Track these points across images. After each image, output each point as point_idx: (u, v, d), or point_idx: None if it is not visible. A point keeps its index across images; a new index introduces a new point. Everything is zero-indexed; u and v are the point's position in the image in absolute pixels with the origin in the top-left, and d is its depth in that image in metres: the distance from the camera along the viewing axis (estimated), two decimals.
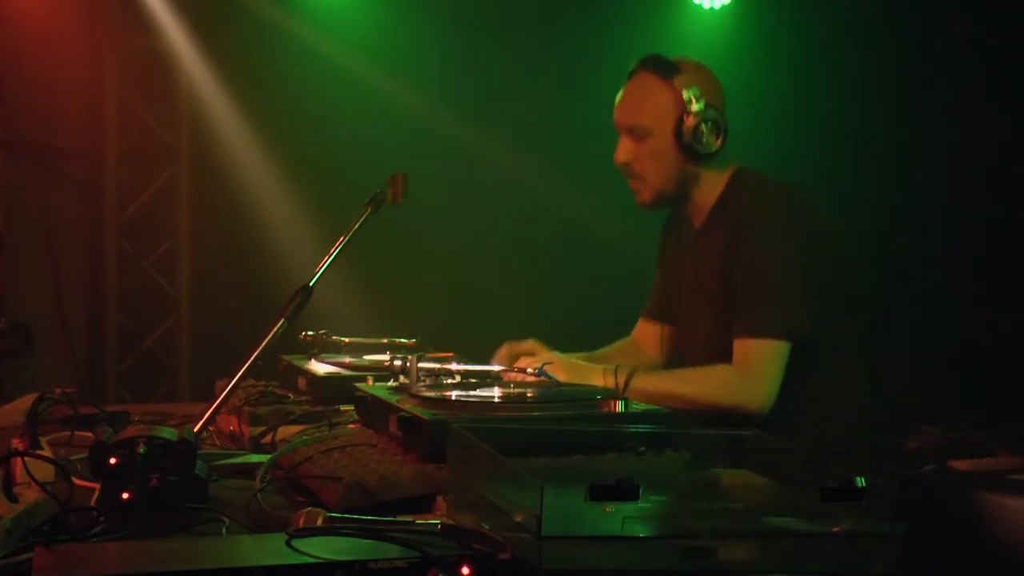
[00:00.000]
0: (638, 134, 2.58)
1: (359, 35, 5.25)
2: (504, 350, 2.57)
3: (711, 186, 2.61)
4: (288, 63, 5.15)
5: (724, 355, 2.48)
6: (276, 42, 5.14)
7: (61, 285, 4.98)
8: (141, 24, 5.06)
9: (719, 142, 2.55)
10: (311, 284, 2.01)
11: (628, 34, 5.37)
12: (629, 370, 2.42)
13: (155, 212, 5.29)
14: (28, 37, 4.82)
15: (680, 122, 2.53)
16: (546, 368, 2.23)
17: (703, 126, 2.53)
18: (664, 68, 2.58)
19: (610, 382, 2.38)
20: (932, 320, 5.00)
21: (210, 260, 5.26)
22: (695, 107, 2.52)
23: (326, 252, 2.08)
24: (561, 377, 2.26)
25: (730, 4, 5.66)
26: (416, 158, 4.72)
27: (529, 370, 2.24)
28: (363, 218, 2.18)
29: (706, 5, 5.68)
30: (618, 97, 2.64)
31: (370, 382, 2.14)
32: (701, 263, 2.64)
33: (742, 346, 2.45)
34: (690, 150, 2.55)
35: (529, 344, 2.56)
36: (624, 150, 2.61)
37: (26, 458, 1.59)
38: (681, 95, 2.53)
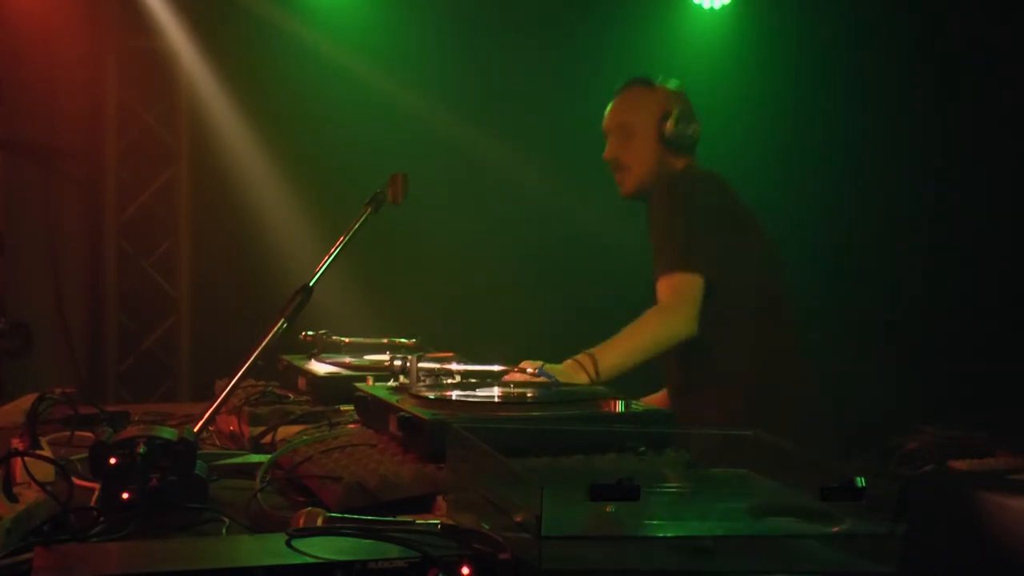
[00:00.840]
0: (626, 132, 3.08)
1: (359, 35, 5.25)
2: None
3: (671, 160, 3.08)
4: (288, 63, 5.15)
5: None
6: (276, 42, 5.14)
7: (61, 285, 4.98)
8: (141, 24, 5.06)
9: (691, 132, 3.04)
10: (311, 284, 2.01)
11: (628, 34, 5.37)
12: (586, 354, 2.61)
13: (155, 212, 5.29)
14: (28, 37, 4.82)
15: (663, 118, 3.03)
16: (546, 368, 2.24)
17: (679, 124, 3.03)
18: (647, 81, 3.11)
19: (590, 373, 2.57)
20: (932, 320, 5.00)
21: (210, 260, 5.26)
22: (675, 107, 3.03)
23: (326, 252, 2.08)
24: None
25: (730, 4, 5.66)
26: (416, 158, 4.72)
27: (529, 370, 2.24)
28: (363, 218, 2.18)
29: (706, 5, 5.68)
30: (607, 109, 3.15)
31: (370, 382, 2.14)
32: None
33: (660, 285, 2.84)
34: (671, 143, 3.03)
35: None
36: (612, 147, 3.12)
37: (26, 458, 1.59)
38: (662, 97, 3.05)
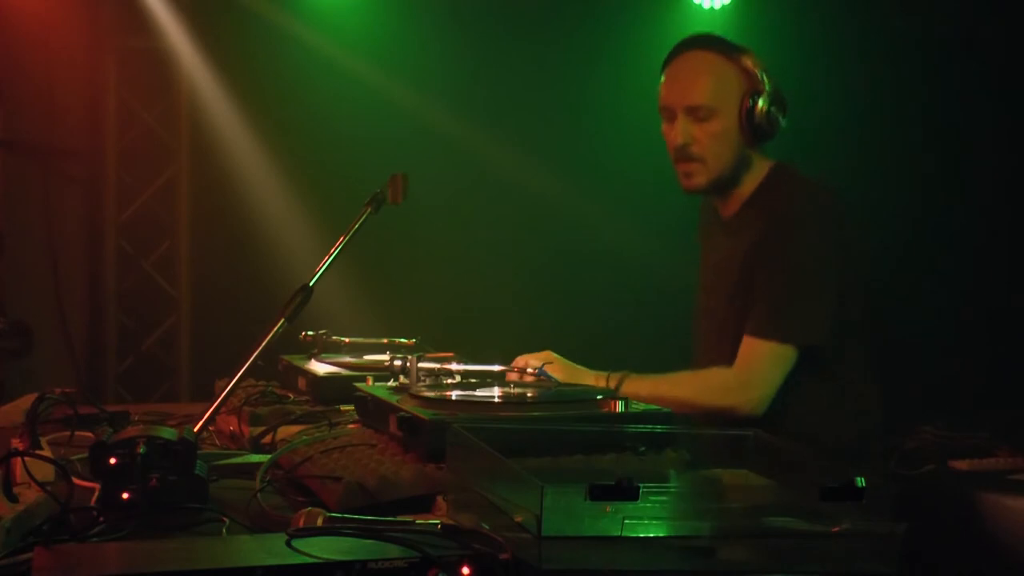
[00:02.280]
0: (701, 114, 2.45)
1: (359, 35, 5.25)
2: (520, 362, 2.49)
3: (753, 175, 2.54)
4: (288, 63, 5.15)
5: (726, 354, 2.45)
6: (276, 42, 5.13)
7: (61, 285, 4.98)
8: (141, 24, 5.05)
9: (782, 120, 2.51)
10: (311, 284, 2.01)
11: (628, 34, 5.37)
12: (621, 374, 2.40)
13: (155, 212, 5.29)
14: (28, 37, 4.82)
15: (751, 101, 2.45)
16: (545, 368, 2.23)
17: (772, 107, 2.47)
18: (726, 46, 2.48)
19: (601, 383, 2.37)
20: (932, 319, 4.99)
21: (210, 260, 5.26)
22: (766, 86, 2.46)
23: (326, 252, 2.08)
24: (559, 377, 2.27)
25: (730, 4, 5.66)
26: (416, 158, 4.71)
27: (529, 370, 2.24)
28: (363, 218, 2.18)
29: (706, 5, 5.68)
30: (665, 77, 2.52)
31: (370, 382, 2.14)
32: (726, 254, 2.55)
33: (747, 345, 2.39)
34: (758, 131, 2.47)
35: (545, 355, 2.47)
36: (684, 131, 2.46)
37: (26, 458, 1.59)
38: (750, 73, 2.45)
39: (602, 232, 5.16)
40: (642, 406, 1.92)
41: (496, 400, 1.98)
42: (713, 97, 2.45)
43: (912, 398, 4.28)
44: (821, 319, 2.39)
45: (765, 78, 2.47)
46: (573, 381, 2.36)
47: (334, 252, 2.09)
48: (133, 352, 5.26)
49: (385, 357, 2.36)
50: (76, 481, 1.58)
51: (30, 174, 4.99)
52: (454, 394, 1.98)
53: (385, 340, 2.91)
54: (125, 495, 1.50)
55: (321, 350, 2.82)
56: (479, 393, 2.01)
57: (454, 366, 2.22)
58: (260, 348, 1.89)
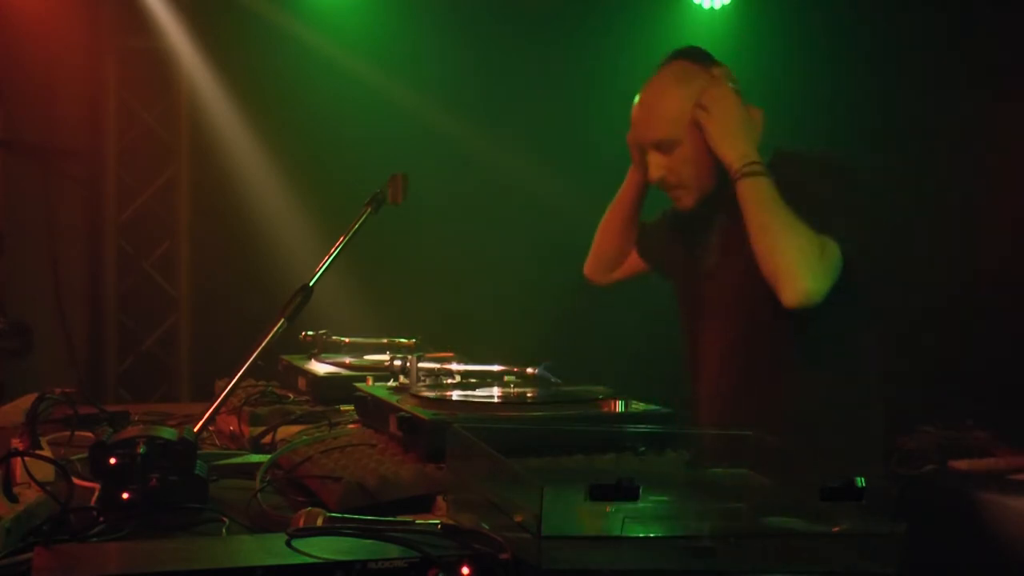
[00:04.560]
0: (666, 147, 2.47)
1: (359, 35, 5.25)
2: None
3: None
4: (288, 63, 5.15)
5: (746, 346, 2.43)
6: (276, 42, 5.13)
7: (61, 285, 4.98)
8: (141, 24, 5.06)
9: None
10: (311, 284, 2.01)
11: (628, 34, 5.37)
12: (763, 166, 2.32)
13: (155, 212, 5.29)
14: (28, 37, 4.82)
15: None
16: None
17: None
18: (672, 74, 2.49)
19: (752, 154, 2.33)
20: (932, 320, 4.99)
21: (210, 260, 5.26)
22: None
23: (326, 252, 2.08)
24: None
25: (730, 4, 5.66)
26: (416, 158, 4.71)
27: (529, 370, 2.24)
28: (363, 218, 2.18)
29: (706, 5, 5.68)
30: (632, 116, 2.55)
31: (370, 382, 2.14)
32: (734, 229, 2.45)
33: None
34: None
35: None
36: (656, 166, 2.49)
37: (26, 458, 1.59)
38: (699, 91, 2.44)
39: None
40: (642, 406, 1.92)
41: (496, 400, 1.98)
42: (672, 129, 2.45)
43: (912, 398, 4.29)
44: (855, 228, 2.32)
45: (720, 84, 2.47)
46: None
47: (334, 252, 2.09)
48: (133, 352, 5.27)
49: (385, 357, 2.36)
50: (76, 481, 1.58)
51: (30, 174, 4.99)
52: (454, 394, 1.98)
53: (385, 340, 2.92)
54: (125, 495, 1.50)
55: (321, 350, 2.83)
56: (479, 393, 2.01)
57: (454, 366, 2.23)
58: (260, 348, 1.89)
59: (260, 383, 2.56)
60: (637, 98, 2.54)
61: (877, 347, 2.53)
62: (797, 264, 2.25)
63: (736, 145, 2.37)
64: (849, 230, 2.30)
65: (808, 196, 2.32)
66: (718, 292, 2.56)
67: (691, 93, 2.45)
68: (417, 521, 1.39)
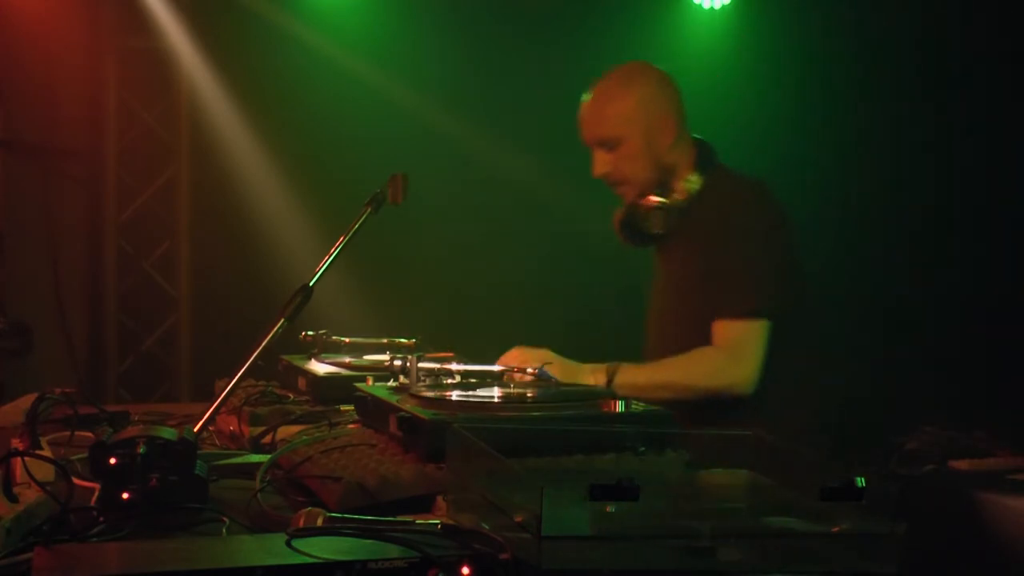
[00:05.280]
0: (609, 144, 2.72)
1: (359, 35, 5.25)
2: (515, 352, 2.52)
3: (685, 179, 2.73)
4: (288, 63, 5.15)
5: (699, 344, 2.57)
6: (276, 42, 5.13)
7: (61, 285, 4.98)
8: (141, 24, 5.06)
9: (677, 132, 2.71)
10: (311, 284, 2.01)
11: (628, 34, 5.36)
12: (615, 365, 2.49)
13: (155, 212, 5.29)
14: (28, 37, 4.82)
15: (651, 122, 2.69)
16: (545, 368, 2.23)
17: (672, 121, 2.71)
18: (617, 80, 2.76)
19: (600, 379, 2.46)
20: (932, 320, 5.00)
21: (210, 260, 5.26)
22: (658, 102, 2.70)
23: (326, 252, 2.08)
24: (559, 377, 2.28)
25: (730, 4, 5.66)
26: (416, 158, 4.71)
27: (529, 370, 2.24)
28: (363, 218, 2.18)
29: (706, 5, 5.67)
30: (580, 116, 2.78)
31: (370, 382, 2.14)
32: (681, 254, 2.74)
33: (724, 327, 2.55)
34: (664, 146, 2.70)
35: (542, 353, 2.50)
36: (601, 162, 2.75)
37: (26, 458, 1.59)
38: (641, 98, 2.70)
39: (603, 232, 5.15)
40: (642, 406, 1.92)
41: (496, 400, 1.98)
42: (616, 128, 2.71)
43: (912, 398, 4.29)
44: (779, 291, 2.57)
45: (663, 97, 2.72)
46: (570, 377, 2.40)
47: (334, 252, 2.09)
48: (133, 352, 5.26)
49: (385, 357, 2.36)
50: (76, 481, 1.58)
51: (30, 174, 4.99)
52: (454, 394, 1.97)
53: (385, 340, 2.91)
54: (125, 495, 1.50)
55: (321, 350, 2.82)
56: (479, 393, 2.01)
57: (454, 366, 2.22)
58: (260, 348, 1.89)
59: (260, 383, 2.55)
60: (585, 99, 2.78)
61: (803, 364, 2.66)
62: (716, 380, 2.52)
63: (583, 373, 2.50)
64: (778, 303, 2.55)
65: (737, 269, 2.56)
66: (669, 306, 2.79)
67: (634, 93, 2.71)
68: (417, 521, 1.39)
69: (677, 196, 2.71)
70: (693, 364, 2.55)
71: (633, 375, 2.48)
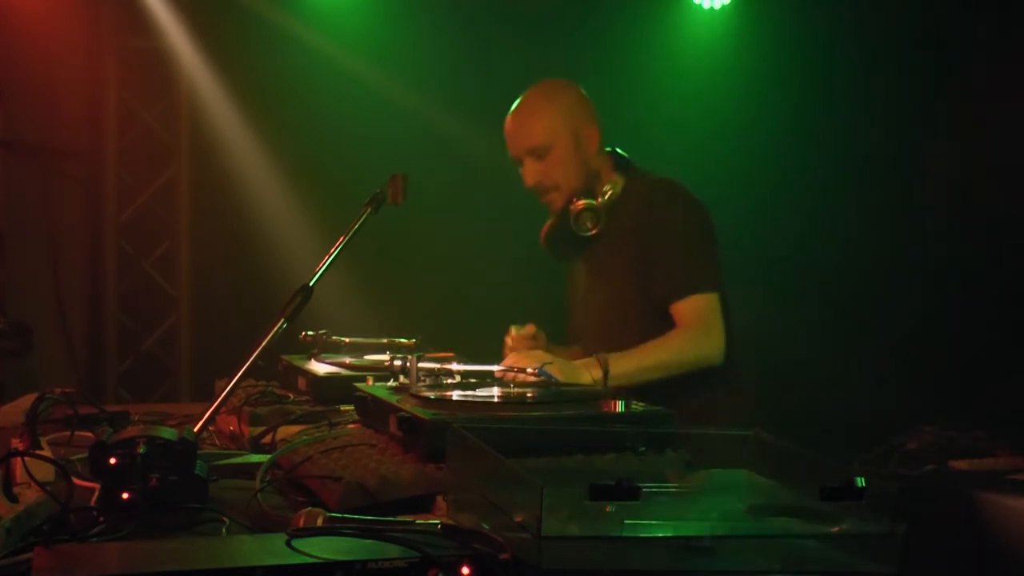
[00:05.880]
0: (539, 153, 2.88)
1: (359, 35, 5.25)
2: (514, 354, 2.56)
3: (608, 183, 2.92)
4: (288, 63, 5.15)
5: (633, 334, 2.72)
6: (276, 42, 5.13)
7: (61, 285, 4.98)
8: (141, 24, 5.06)
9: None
10: (311, 284, 2.01)
11: (628, 34, 5.36)
12: (603, 357, 2.56)
13: (155, 212, 5.29)
14: (28, 37, 4.82)
15: (576, 128, 2.87)
16: (545, 368, 2.24)
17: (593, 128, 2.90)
18: (540, 93, 2.97)
19: (596, 373, 2.53)
20: (932, 320, 5.00)
21: (210, 260, 5.26)
22: (580, 111, 2.90)
23: (326, 252, 2.08)
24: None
25: (730, 4, 5.66)
26: (416, 158, 4.71)
27: (529, 370, 2.24)
28: (363, 218, 2.19)
29: (706, 5, 5.67)
30: (506, 131, 2.96)
31: (370, 382, 2.14)
32: (607, 252, 2.92)
33: (685, 306, 2.73)
34: (590, 150, 2.89)
35: (541, 354, 2.57)
36: (531, 172, 2.92)
37: (26, 458, 1.59)
38: (566, 106, 2.90)
39: None
40: (642, 406, 1.92)
41: (496, 400, 1.98)
42: (545, 136, 2.88)
43: (912, 398, 4.29)
44: (719, 268, 2.81)
45: (585, 104, 2.94)
46: (569, 377, 2.43)
47: (334, 252, 2.09)
48: (133, 352, 5.26)
49: (385, 357, 2.36)
50: (76, 481, 1.58)
51: (30, 174, 4.99)
52: (454, 394, 1.98)
53: (385, 340, 2.92)
54: (125, 495, 1.50)
55: (321, 350, 2.82)
56: (479, 393, 2.01)
57: (454, 366, 2.23)
58: (260, 348, 1.89)
59: (260, 383, 2.56)
60: (510, 114, 2.96)
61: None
62: (695, 353, 2.70)
63: (582, 376, 2.55)
64: (720, 277, 2.79)
65: (679, 253, 2.77)
66: (600, 303, 2.98)
67: (559, 103, 2.92)
68: (417, 521, 1.39)
69: (602, 199, 2.89)
70: (672, 343, 2.70)
71: (623, 364, 2.58)
